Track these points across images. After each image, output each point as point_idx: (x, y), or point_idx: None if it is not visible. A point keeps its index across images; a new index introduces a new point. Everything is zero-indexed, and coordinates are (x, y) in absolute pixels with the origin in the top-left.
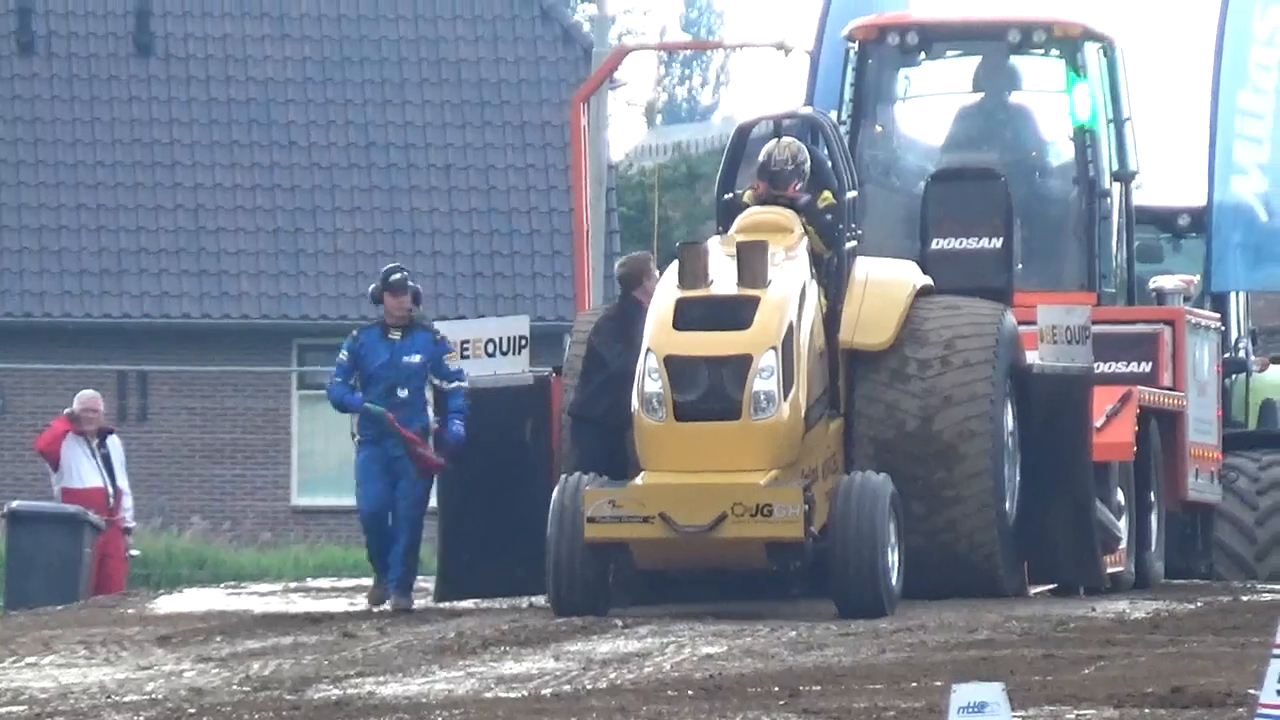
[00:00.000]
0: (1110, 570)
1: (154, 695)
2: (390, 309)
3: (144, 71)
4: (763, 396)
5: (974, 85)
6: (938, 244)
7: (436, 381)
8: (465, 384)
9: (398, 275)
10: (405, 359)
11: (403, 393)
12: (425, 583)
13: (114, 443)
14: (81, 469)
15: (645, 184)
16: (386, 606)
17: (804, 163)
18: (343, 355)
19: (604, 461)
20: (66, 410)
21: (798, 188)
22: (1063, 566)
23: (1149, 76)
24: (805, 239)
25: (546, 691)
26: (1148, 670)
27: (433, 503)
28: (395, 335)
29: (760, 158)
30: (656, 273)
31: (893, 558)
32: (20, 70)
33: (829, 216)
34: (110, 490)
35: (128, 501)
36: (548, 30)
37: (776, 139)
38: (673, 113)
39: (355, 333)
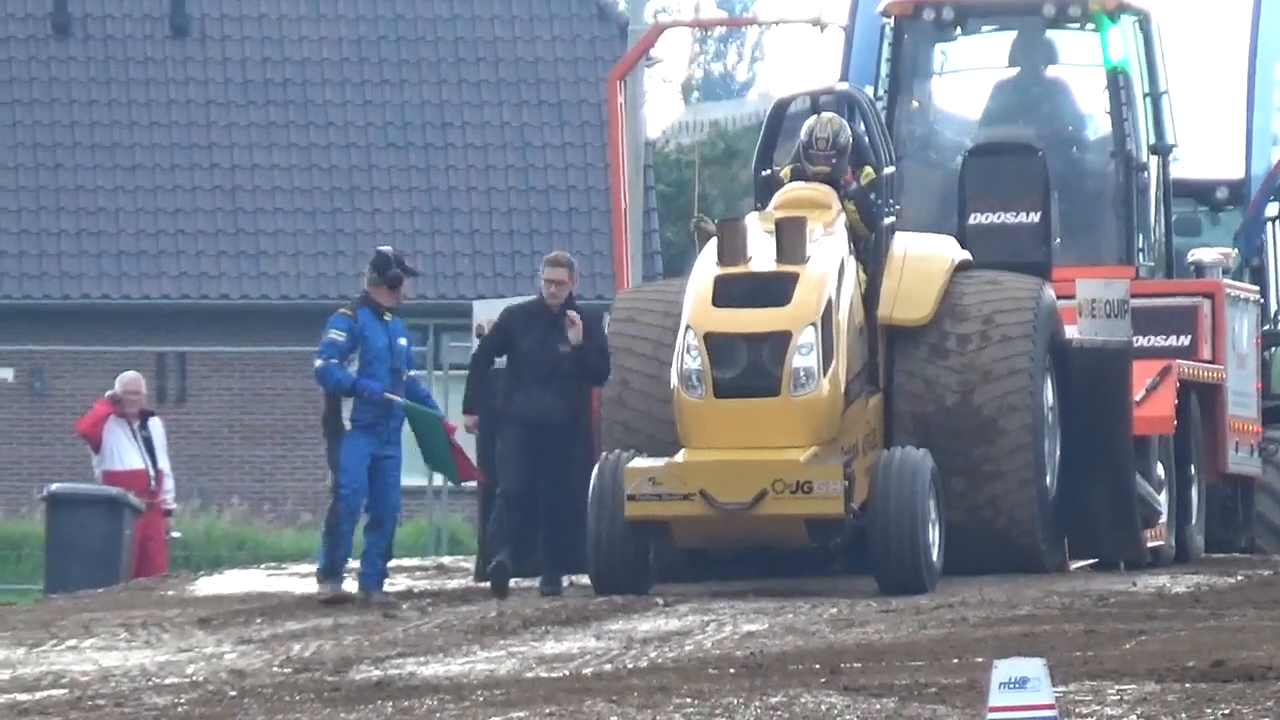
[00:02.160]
0: (1151, 544)
1: (195, 677)
2: (398, 294)
3: (180, 53)
4: (802, 373)
5: (1010, 60)
6: (976, 219)
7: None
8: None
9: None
10: (398, 341)
11: (403, 377)
12: (465, 562)
13: (155, 424)
14: (123, 451)
15: (683, 161)
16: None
17: (846, 139)
18: (338, 335)
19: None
20: (109, 393)
21: (835, 163)
22: (1103, 541)
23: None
24: (843, 215)
25: (587, 671)
26: (1189, 644)
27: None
28: (387, 317)
29: (801, 135)
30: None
31: (933, 534)
32: (57, 53)
33: (872, 195)
34: (152, 472)
35: (169, 483)
36: (584, 8)
37: (816, 115)
38: (709, 89)
39: (348, 311)
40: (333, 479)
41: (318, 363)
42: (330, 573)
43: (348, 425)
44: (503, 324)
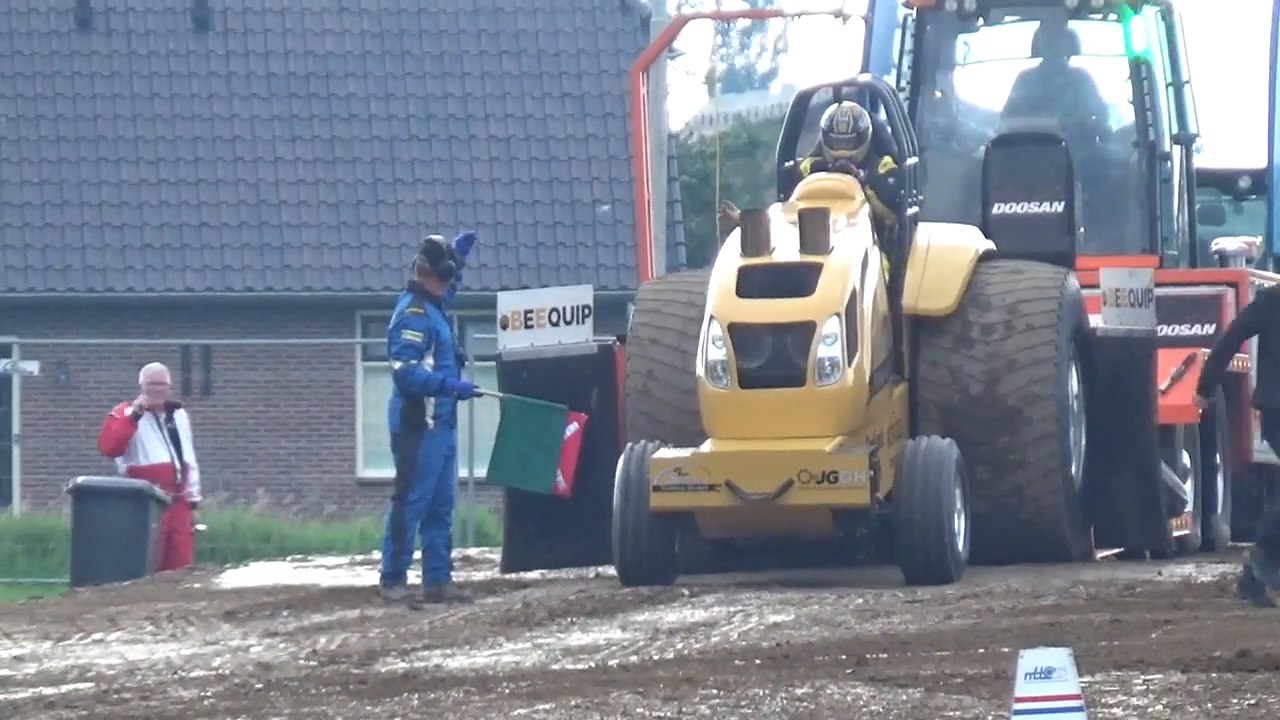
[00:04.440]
0: (1176, 534)
1: (221, 670)
2: (447, 285)
3: (203, 46)
4: (827, 363)
5: (1033, 50)
6: (999, 209)
7: (461, 354)
8: None
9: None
10: (453, 330)
11: (465, 364)
12: (492, 554)
13: (181, 417)
14: (149, 445)
15: (706, 153)
16: (432, 604)
17: (865, 127)
18: (415, 336)
19: None
20: (130, 410)
21: (855, 148)
22: (1129, 530)
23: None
24: (867, 205)
25: (613, 662)
26: (1215, 634)
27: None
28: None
29: (822, 123)
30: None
31: (959, 523)
32: (79, 47)
33: (890, 180)
34: (177, 466)
35: (194, 476)
36: (606, 1)
37: (837, 104)
38: (732, 81)
39: (419, 310)
40: (400, 481)
41: (397, 365)
42: (397, 577)
43: (431, 424)
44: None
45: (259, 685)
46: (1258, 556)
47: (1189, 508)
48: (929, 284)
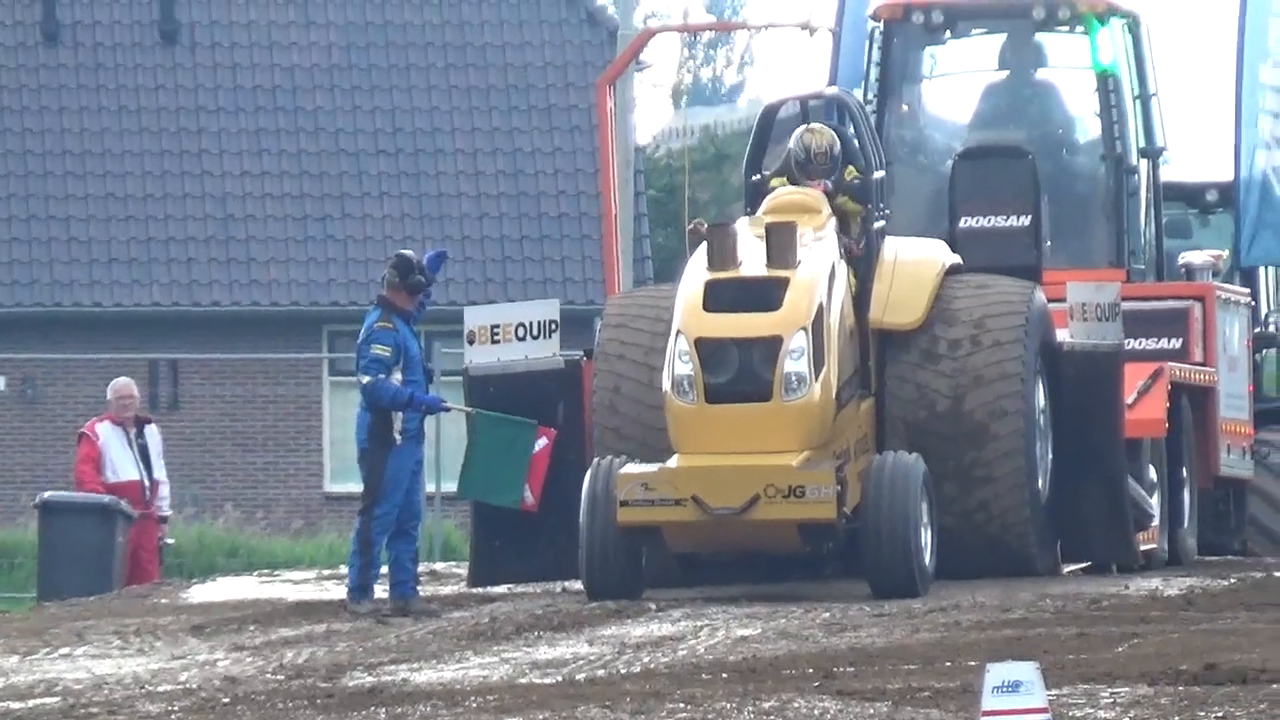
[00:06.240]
0: (1143, 547)
1: (188, 685)
2: (416, 300)
3: (169, 60)
4: (794, 377)
5: (1000, 63)
6: (966, 222)
7: (429, 369)
8: None
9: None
10: (421, 345)
11: (433, 379)
12: (459, 569)
13: (152, 432)
14: (118, 462)
15: (673, 166)
16: (398, 618)
17: (838, 150)
18: (384, 350)
19: None
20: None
21: (835, 176)
22: (1096, 544)
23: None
24: (834, 219)
25: (581, 676)
26: (1181, 647)
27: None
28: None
29: (798, 152)
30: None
31: (926, 537)
32: (46, 60)
33: (856, 182)
34: (146, 483)
35: (164, 490)
36: (573, 13)
37: (806, 127)
38: (698, 94)
39: (388, 324)
40: (367, 496)
41: (364, 379)
42: (364, 591)
43: (398, 439)
44: None
45: (226, 700)
46: None
47: (1155, 522)
48: (896, 298)
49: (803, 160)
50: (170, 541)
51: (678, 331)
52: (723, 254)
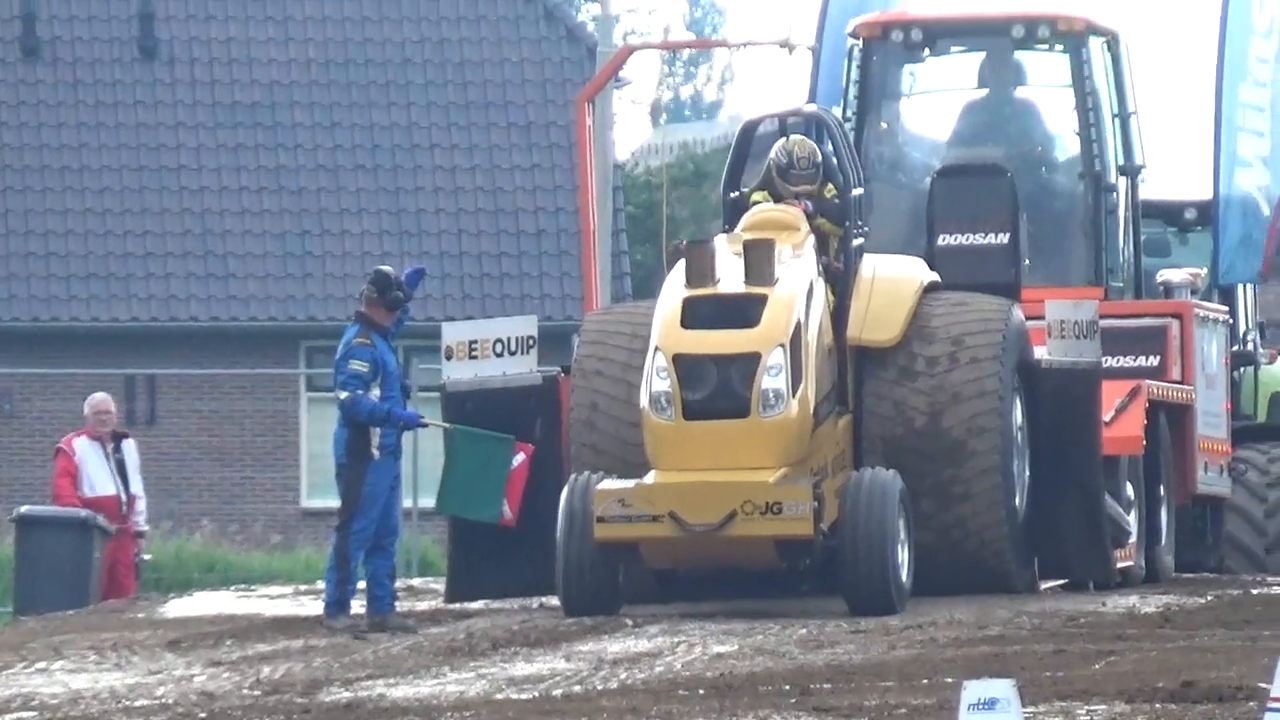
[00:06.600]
0: (1120, 565)
1: (165, 700)
2: (394, 316)
3: (149, 75)
4: (771, 394)
5: (979, 81)
6: (944, 240)
7: (407, 385)
8: None
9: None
10: (399, 361)
11: (410, 395)
12: (436, 584)
13: (129, 447)
14: (95, 477)
15: (652, 183)
16: (374, 634)
17: (820, 160)
18: (361, 366)
19: None
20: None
21: (817, 182)
22: (1073, 561)
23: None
24: (812, 236)
25: (557, 692)
26: (1158, 665)
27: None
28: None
29: (779, 158)
30: None
31: (903, 554)
32: (25, 75)
33: (836, 201)
34: (123, 498)
35: (141, 505)
36: (552, 30)
37: (785, 137)
38: (677, 111)
39: (366, 340)
40: (344, 511)
41: (342, 395)
42: (341, 606)
43: (376, 454)
44: None
45: (203, 715)
46: None
47: (1133, 539)
48: (874, 315)
49: (785, 165)
50: (147, 556)
51: (656, 348)
52: (701, 271)
